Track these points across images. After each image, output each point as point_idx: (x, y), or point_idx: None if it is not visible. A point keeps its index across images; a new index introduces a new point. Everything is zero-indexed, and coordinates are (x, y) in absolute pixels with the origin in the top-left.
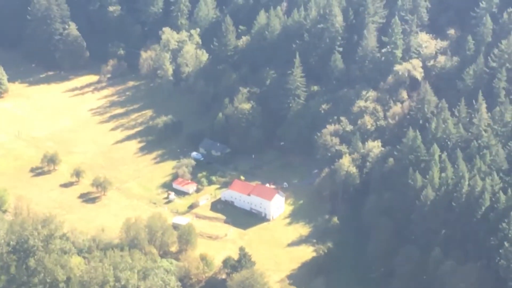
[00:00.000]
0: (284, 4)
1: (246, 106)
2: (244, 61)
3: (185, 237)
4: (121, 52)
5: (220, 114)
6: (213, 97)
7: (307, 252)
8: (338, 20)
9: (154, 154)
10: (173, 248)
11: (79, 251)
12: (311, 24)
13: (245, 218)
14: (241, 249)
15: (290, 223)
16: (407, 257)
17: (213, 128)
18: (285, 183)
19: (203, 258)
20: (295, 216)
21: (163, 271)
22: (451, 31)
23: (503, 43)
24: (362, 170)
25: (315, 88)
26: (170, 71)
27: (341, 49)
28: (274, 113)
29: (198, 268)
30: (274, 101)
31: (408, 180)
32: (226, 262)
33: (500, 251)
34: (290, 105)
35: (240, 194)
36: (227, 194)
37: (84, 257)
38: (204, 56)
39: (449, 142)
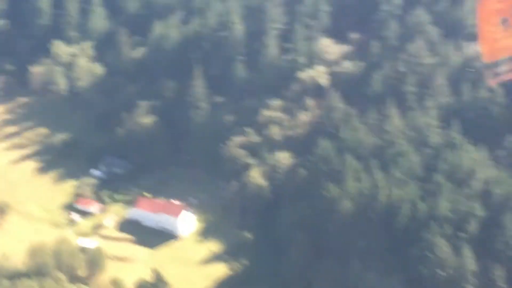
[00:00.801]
0: (180, 12)
1: (147, 120)
2: (142, 73)
3: (94, 260)
4: (9, 67)
5: (119, 129)
6: (110, 112)
7: (221, 270)
8: (238, 27)
9: (52, 174)
10: (81, 273)
11: None
12: (210, 32)
13: (154, 237)
14: (154, 270)
15: (201, 240)
16: (325, 271)
17: (112, 144)
18: (192, 198)
19: (114, 282)
20: (205, 233)
21: None
22: (354, 36)
23: (410, 47)
24: (273, 183)
25: (219, 99)
26: (63, 86)
27: (242, 57)
28: (177, 127)
29: None
30: (175, 114)
31: (322, 191)
32: (140, 286)
33: (424, 261)
34: (193, 117)
35: (146, 212)
36: (133, 212)
37: None
38: (98, 69)
39: (362, 151)
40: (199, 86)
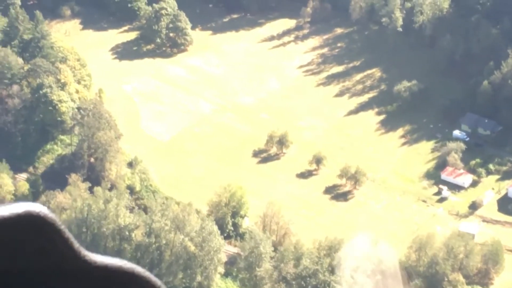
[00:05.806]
0: None
1: None
2: (502, 12)
3: (491, 256)
4: None
5: (486, 82)
6: (466, 57)
7: None
8: None
9: (400, 131)
10: (474, 270)
11: None
12: None
13: None
14: None
15: None
16: None
17: (473, 99)
18: None
19: None
20: None
21: None
22: None
23: None
24: None
25: None
26: (400, 21)
27: None
28: None
29: None
30: None
31: None
32: None
33: None
34: None
35: None
36: None
37: None
38: (445, 3)
39: None
40: None
